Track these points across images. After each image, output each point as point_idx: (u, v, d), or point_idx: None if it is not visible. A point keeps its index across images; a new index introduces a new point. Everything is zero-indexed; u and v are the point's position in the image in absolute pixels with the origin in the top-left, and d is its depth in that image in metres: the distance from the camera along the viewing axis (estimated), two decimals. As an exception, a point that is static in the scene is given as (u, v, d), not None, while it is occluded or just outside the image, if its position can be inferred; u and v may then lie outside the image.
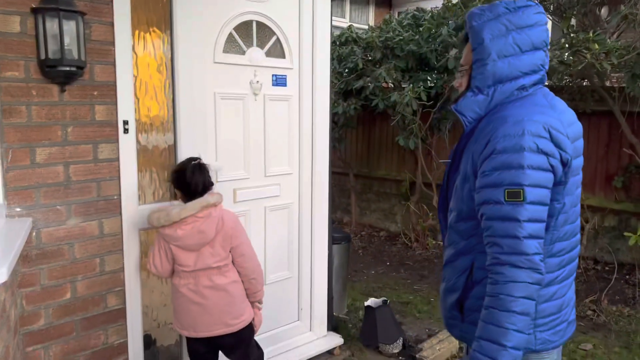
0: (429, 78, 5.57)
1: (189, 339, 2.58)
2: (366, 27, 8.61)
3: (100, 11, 2.34)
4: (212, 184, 2.49)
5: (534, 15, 1.50)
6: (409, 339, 3.72)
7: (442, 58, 5.54)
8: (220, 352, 2.64)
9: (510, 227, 1.38)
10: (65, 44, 2.15)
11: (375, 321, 3.57)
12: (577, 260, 1.59)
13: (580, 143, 1.53)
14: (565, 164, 1.42)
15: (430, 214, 5.89)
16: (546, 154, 1.39)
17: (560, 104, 1.53)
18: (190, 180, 2.42)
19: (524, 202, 1.38)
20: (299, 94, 3.30)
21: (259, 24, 3.03)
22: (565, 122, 1.46)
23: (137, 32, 2.52)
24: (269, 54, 3.10)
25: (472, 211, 1.53)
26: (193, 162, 2.46)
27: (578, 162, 1.50)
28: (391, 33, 5.90)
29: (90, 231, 2.43)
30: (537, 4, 1.52)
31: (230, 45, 2.92)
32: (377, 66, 5.84)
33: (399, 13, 9.22)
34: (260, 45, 3.06)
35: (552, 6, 4.85)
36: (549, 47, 1.54)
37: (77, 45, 2.20)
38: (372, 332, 3.58)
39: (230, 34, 2.90)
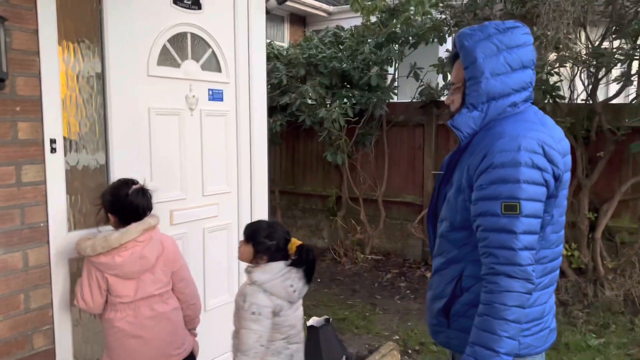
0: (352, 95, 5.65)
1: None
2: (284, 44, 8.64)
3: (22, 17, 2.10)
4: (151, 209, 2.31)
5: (522, 36, 1.56)
6: (350, 356, 3.68)
7: (364, 75, 5.66)
8: None
9: (506, 238, 1.41)
10: (-15, 53, 1.90)
11: (319, 342, 3.48)
12: (558, 271, 1.63)
13: (569, 159, 1.59)
14: (557, 178, 1.48)
15: (359, 228, 5.93)
16: (540, 169, 1.43)
17: (549, 121, 1.59)
18: (132, 204, 2.22)
19: (520, 215, 1.41)
20: (236, 109, 3.18)
21: (193, 36, 2.89)
22: (556, 138, 1.52)
23: (64, 42, 2.30)
24: (204, 67, 2.97)
25: (465, 221, 1.54)
26: (134, 185, 2.27)
27: (567, 177, 1.55)
28: (314, 50, 5.94)
29: (12, 264, 2.15)
30: (523, 25, 1.57)
31: (165, 58, 2.75)
32: (300, 83, 5.84)
33: (316, 31, 9.35)
34: (195, 58, 2.92)
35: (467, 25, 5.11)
36: (535, 65, 1.60)
37: (-2, 54, 1.95)
38: (317, 353, 3.48)
39: (164, 46, 2.74)
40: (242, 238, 2.32)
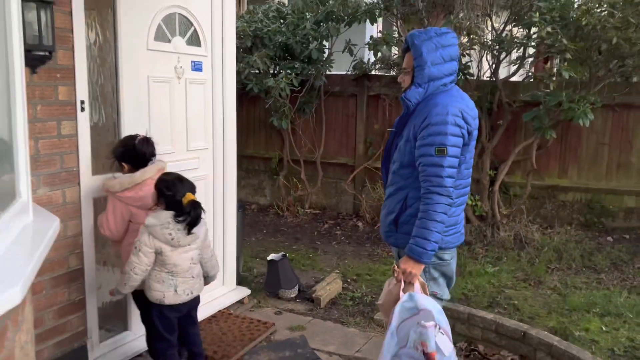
0: (295, 66, 6.31)
1: (139, 292, 2.95)
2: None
3: (62, 1, 2.61)
4: (155, 154, 2.91)
5: (451, 39, 2.33)
6: (302, 285, 4.47)
7: (305, 49, 6.32)
8: None
9: (437, 170, 2.22)
10: (43, 31, 2.41)
11: (278, 271, 4.25)
12: (467, 196, 2.47)
13: (477, 121, 2.39)
14: (469, 133, 2.29)
15: (300, 186, 6.69)
16: (459, 126, 2.24)
17: (466, 95, 2.39)
18: (140, 151, 2.82)
19: (447, 155, 2.21)
20: (212, 79, 3.79)
21: (180, 16, 3.45)
22: (470, 106, 2.33)
23: (88, 21, 2.81)
24: (188, 42, 3.54)
25: (410, 161, 2.33)
26: (139, 136, 2.86)
27: (475, 133, 2.37)
28: (259, 24, 6.51)
29: (55, 199, 2.70)
30: (453, 31, 2.35)
31: (159, 34, 3.31)
32: (245, 53, 6.40)
33: (254, 2, 9.78)
34: (182, 35, 3.49)
35: (396, 10, 5.91)
36: (459, 59, 2.37)
37: (49, 32, 2.47)
38: (276, 280, 4.26)
39: (159, 24, 3.29)
40: None
